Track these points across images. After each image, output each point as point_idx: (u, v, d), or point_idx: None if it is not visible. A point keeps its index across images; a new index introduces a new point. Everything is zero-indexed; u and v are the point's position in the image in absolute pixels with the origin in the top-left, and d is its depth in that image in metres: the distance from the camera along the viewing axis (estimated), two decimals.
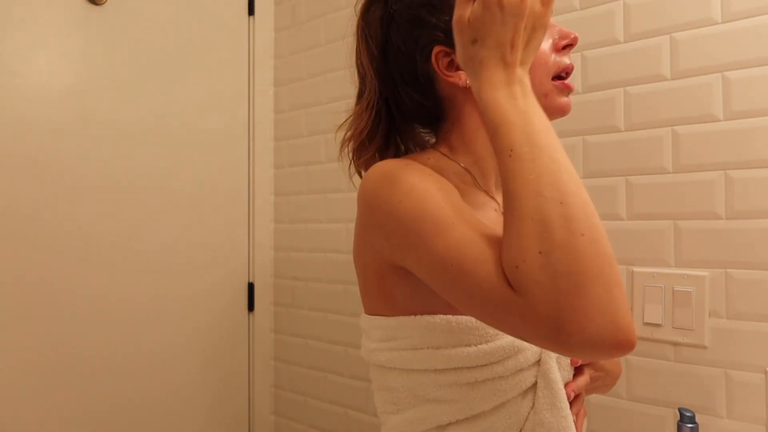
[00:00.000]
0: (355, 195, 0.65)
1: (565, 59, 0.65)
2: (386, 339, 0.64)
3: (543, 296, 0.43)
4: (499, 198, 0.68)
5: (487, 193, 0.68)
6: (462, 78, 0.64)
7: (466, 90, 0.64)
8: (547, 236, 0.44)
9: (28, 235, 1.13)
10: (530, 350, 0.60)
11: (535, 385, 0.60)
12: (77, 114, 1.20)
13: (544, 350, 0.60)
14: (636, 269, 0.99)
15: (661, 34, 0.97)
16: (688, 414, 0.85)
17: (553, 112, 0.65)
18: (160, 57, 1.34)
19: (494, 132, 0.49)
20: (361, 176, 0.70)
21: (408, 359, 0.61)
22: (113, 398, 1.24)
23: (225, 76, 1.50)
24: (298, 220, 1.53)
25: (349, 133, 0.70)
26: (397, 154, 0.72)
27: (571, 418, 0.59)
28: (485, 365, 0.58)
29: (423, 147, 0.73)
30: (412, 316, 0.61)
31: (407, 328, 0.61)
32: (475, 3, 0.51)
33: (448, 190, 0.57)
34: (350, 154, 0.71)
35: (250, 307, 1.53)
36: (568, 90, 0.65)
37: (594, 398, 1.03)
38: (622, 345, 0.43)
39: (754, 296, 0.89)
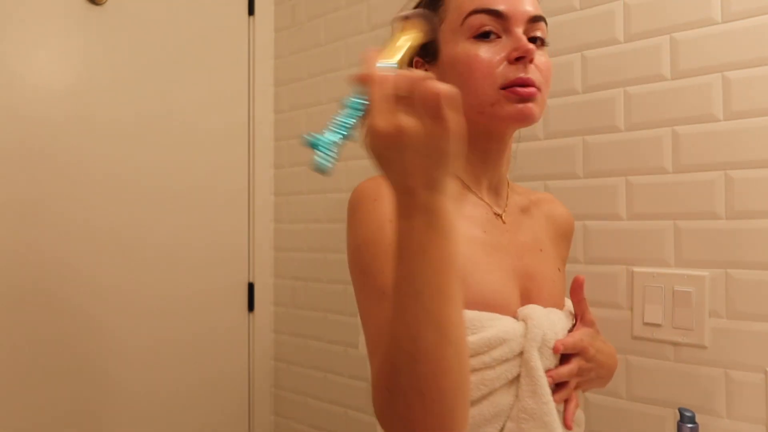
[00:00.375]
0: None
1: (518, 70, 0.65)
2: None
3: (382, 417, 0.51)
4: (495, 204, 0.74)
5: (477, 195, 0.73)
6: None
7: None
8: (395, 382, 0.48)
9: (28, 234, 1.13)
10: (515, 341, 0.62)
11: (519, 376, 0.63)
12: (77, 114, 1.20)
13: (526, 340, 0.63)
14: (636, 269, 0.99)
15: (661, 34, 0.97)
16: (688, 414, 0.85)
17: (504, 120, 0.67)
18: (160, 57, 1.34)
19: (395, 255, 0.49)
20: None
21: None
22: (112, 397, 1.24)
23: (225, 76, 1.50)
24: (298, 220, 1.53)
25: None
26: None
27: (552, 404, 0.62)
28: (473, 356, 0.60)
29: None
30: None
31: None
32: (366, 132, 0.48)
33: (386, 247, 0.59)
34: None
35: (250, 307, 1.53)
36: (518, 97, 0.65)
37: (594, 398, 1.03)
38: None
39: (754, 296, 0.89)
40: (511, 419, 0.62)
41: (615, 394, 1.01)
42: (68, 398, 1.17)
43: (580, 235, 1.06)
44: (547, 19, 1.09)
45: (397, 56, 0.50)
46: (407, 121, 0.45)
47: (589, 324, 0.72)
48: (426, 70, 0.71)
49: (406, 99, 0.45)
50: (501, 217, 0.74)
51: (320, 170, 0.43)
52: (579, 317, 0.73)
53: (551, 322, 0.66)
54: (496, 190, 0.75)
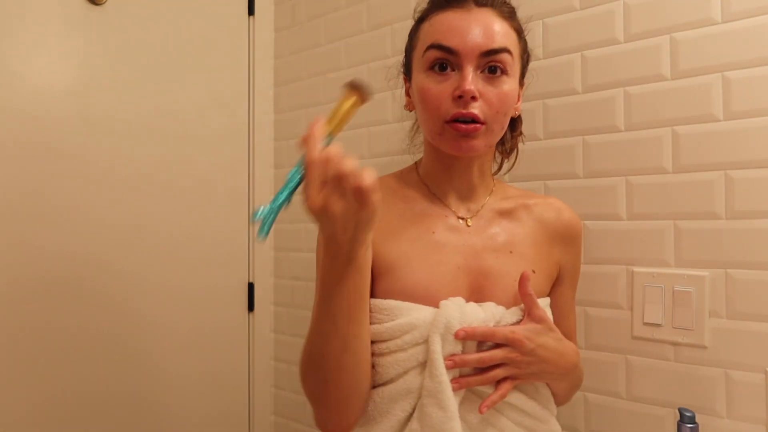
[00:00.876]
0: None
1: (459, 106, 0.72)
2: None
3: (302, 384, 0.73)
4: (462, 206, 0.82)
5: (442, 201, 0.82)
6: (408, 104, 0.83)
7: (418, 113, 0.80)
8: (308, 368, 0.71)
9: (28, 232, 1.13)
10: (423, 327, 0.70)
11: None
12: (77, 114, 1.20)
13: (431, 326, 0.70)
14: (636, 269, 0.99)
15: (661, 34, 0.97)
16: (688, 414, 0.85)
17: (448, 150, 0.76)
18: (160, 57, 1.34)
19: (319, 284, 0.67)
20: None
21: None
22: (112, 397, 1.24)
23: (225, 76, 1.50)
24: (298, 220, 1.53)
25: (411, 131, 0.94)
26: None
27: (446, 383, 0.68)
28: (390, 339, 0.71)
29: None
30: None
31: None
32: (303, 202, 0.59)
33: None
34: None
35: (250, 307, 1.53)
36: (458, 132, 0.73)
37: (594, 398, 1.04)
38: None
39: (754, 296, 0.89)
40: (420, 397, 0.70)
41: (615, 394, 1.01)
42: (67, 396, 1.17)
43: None
44: (548, 19, 1.10)
45: (336, 125, 0.60)
46: (335, 204, 0.56)
47: (537, 319, 0.74)
48: (407, 86, 0.83)
49: (337, 181, 0.55)
50: (466, 221, 0.81)
51: (259, 238, 0.61)
52: (526, 312, 0.75)
53: (463, 313, 0.71)
54: (466, 197, 0.83)
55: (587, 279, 1.05)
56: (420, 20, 0.80)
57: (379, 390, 0.72)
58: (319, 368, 0.68)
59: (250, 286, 1.53)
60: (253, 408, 1.53)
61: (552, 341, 0.75)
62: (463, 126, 0.72)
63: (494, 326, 0.72)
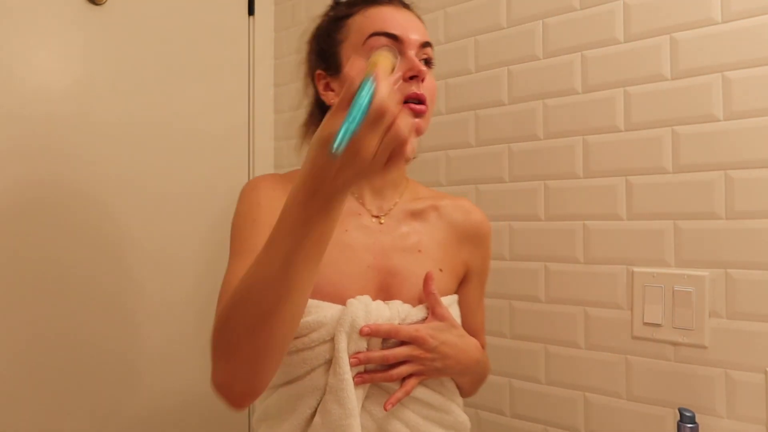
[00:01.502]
0: None
1: (413, 87, 0.74)
2: None
3: (212, 341, 0.62)
4: (374, 204, 0.83)
5: (357, 198, 0.82)
6: (329, 97, 0.80)
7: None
8: (234, 308, 0.59)
9: (28, 231, 1.13)
10: (330, 325, 0.71)
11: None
12: (77, 114, 1.20)
13: (337, 324, 0.71)
14: (636, 269, 0.99)
15: (661, 34, 0.97)
16: (688, 414, 0.85)
17: None
18: (160, 57, 1.34)
19: (282, 224, 0.58)
20: None
21: None
22: (113, 396, 1.24)
23: (225, 77, 1.50)
24: None
25: (299, 128, 0.88)
26: None
27: (348, 381, 0.69)
28: (298, 337, 0.71)
29: None
30: None
31: None
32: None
33: (264, 221, 0.73)
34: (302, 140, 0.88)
35: None
36: (412, 113, 0.73)
37: (594, 398, 1.04)
38: (228, 401, 0.63)
39: (754, 296, 0.89)
40: (324, 394, 0.71)
41: (615, 394, 1.01)
42: (69, 393, 1.17)
43: (580, 235, 1.06)
44: (547, 19, 1.10)
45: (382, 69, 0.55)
46: (369, 149, 0.50)
47: (440, 317, 0.76)
48: (327, 81, 0.80)
49: (388, 134, 0.51)
50: (379, 219, 0.82)
51: (337, 151, 0.49)
52: (430, 310, 0.77)
53: (368, 311, 0.72)
54: (379, 194, 0.83)
55: (587, 279, 1.05)
56: (346, 15, 0.80)
57: (287, 387, 0.73)
58: (253, 308, 0.58)
59: None
60: (253, 407, 1.52)
61: (454, 338, 0.77)
62: (416, 106, 0.74)
63: (399, 324, 0.74)
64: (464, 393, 0.86)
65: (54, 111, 1.17)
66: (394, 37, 0.75)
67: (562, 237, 1.08)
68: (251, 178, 1.54)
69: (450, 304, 0.81)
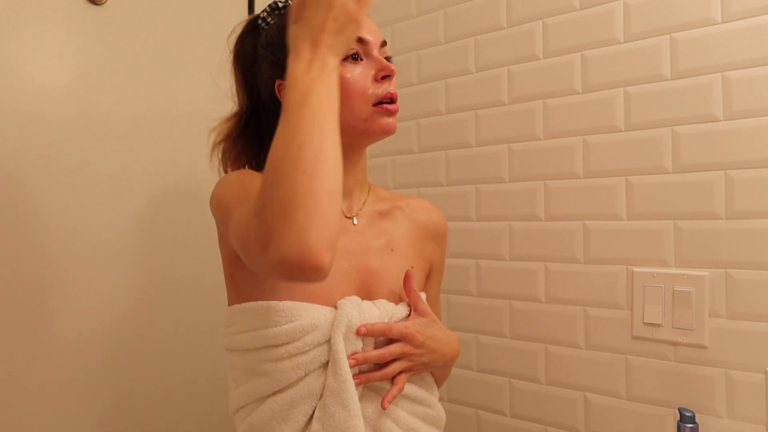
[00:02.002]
0: None
1: (385, 86, 0.76)
2: (228, 325, 0.77)
3: (261, 219, 0.55)
4: (346, 207, 0.82)
5: None
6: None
7: None
8: (276, 170, 0.55)
9: (27, 231, 1.13)
10: (325, 327, 0.70)
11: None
12: (77, 114, 1.20)
13: (333, 326, 0.70)
14: (636, 269, 0.99)
15: (661, 34, 0.97)
16: (688, 414, 0.85)
17: (376, 132, 0.77)
18: (160, 57, 1.34)
19: (285, 92, 0.59)
20: (226, 173, 0.87)
21: (240, 341, 0.73)
22: (112, 394, 1.24)
23: (225, 77, 1.49)
24: None
25: (220, 138, 0.87)
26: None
27: (350, 382, 0.68)
28: (289, 342, 0.69)
29: None
30: (239, 304, 0.75)
31: (237, 315, 0.75)
32: None
33: (252, 173, 0.74)
34: (220, 155, 0.88)
35: None
36: (388, 113, 0.76)
37: (594, 398, 1.04)
38: (306, 264, 0.53)
39: (754, 296, 0.89)
40: (321, 398, 0.70)
41: (615, 394, 1.01)
42: (69, 394, 1.17)
43: (581, 235, 1.06)
44: (547, 19, 1.11)
45: None
46: None
47: (422, 313, 0.78)
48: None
49: None
50: (352, 220, 0.83)
51: None
52: (412, 307, 0.79)
53: (361, 311, 0.72)
54: (350, 195, 0.83)
55: (587, 279, 1.05)
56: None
57: (277, 397, 0.71)
58: (294, 162, 0.55)
59: None
60: None
61: (438, 332, 0.79)
62: (391, 106, 0.76)
63: (388, 322, 0.75)
64: (438, 383, 0.88)
65: (53, 110, 1.17)
66: (360, 40, 0.76)
67: (562, 237, 1.08)
68: None
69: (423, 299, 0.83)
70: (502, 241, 1.17)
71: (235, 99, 0.89)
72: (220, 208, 0.73)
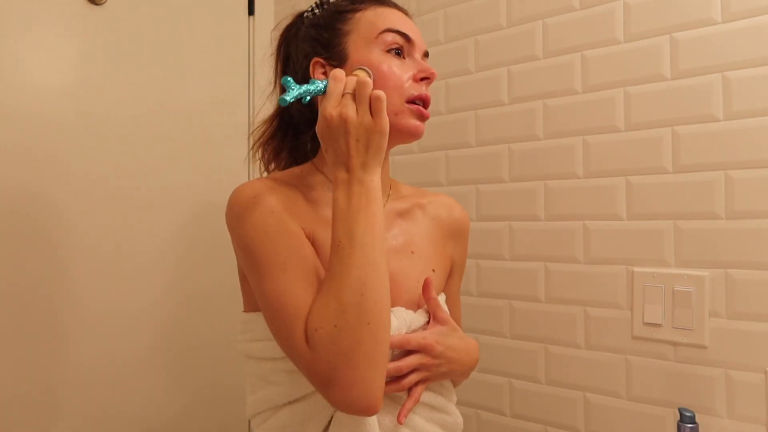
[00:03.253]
0: None
1: (422, 88, 0.76)
2: (243, 331, 0.77)
3: (326, 359, 0.59)
4: None
5: None
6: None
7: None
8: (343, 317, 0.60)
9: (28, 230, 1.13)
10: None
11: None
12: (77, 114, 1.20)
13: None
14: (636, 269, 0.99)
15: (661, 34, 0.97)
16: (688, 414, 0.85)
17: (403, 130, 0.76)
18: (160, 57, 1.34)
19: (332, 224, 0.64)
20: (268, 172, 0.87)
21: (255, 349, 0.74)
22: (112, 398, 1.24)
23: (225, 76, 1.50)
24: None
25: (260, 140, 0.86)
26: (288, 163, 0.88)
27: None
28: None
29: (307, 157, 0.86)
30: (255, 312, 0.75)
31: (253, 322, 0.75)
32: (318, 118, 0.65)
33: (288, 228, 0.69)
34: (260, 155, 0.87)
35: None
36: (420, 115, 0.76)
37: (594, 398, 1.04)
38: (368, 411, 0.60)
39: (754, 296, 0.89)
40: (337, 410, 0.69)
41: (615, 394, 1.01)
42: (69, 396, 1.17)
43: (581, 235, 1.06)
44: (547, 19, 1.11)
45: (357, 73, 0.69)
46: (351, 112, 0.63)
47: (442, 322, 0.76)
48: (327, 70, 0.77)
49: (355, 97, 0.64)
50: None
51: (282, 102, 0.64)
52: (432, 315, 0.77)
53: None
54: None
55: (587, 279, 1.05)
56: (352, 10, 0.79)
57: (293, 406, 0.70)
58: (360, 309, 0.60)
59: None
60: None
61: (458, 341, 0.77)
62: (424, 110, 0.76)
63: (406, 332, 0.73)
64: (456, 385, 0.86)
65: (53, 110, 1.17)
66: (406, 37, 0.76)
67: (562, 237, 1.08)
68: (250, 178, 1.54)
69: (442, 303, 0.81)
70: (502, 241, 1.17)
71: (273, 95, 0.89)
72: (247, 251, 0.70)
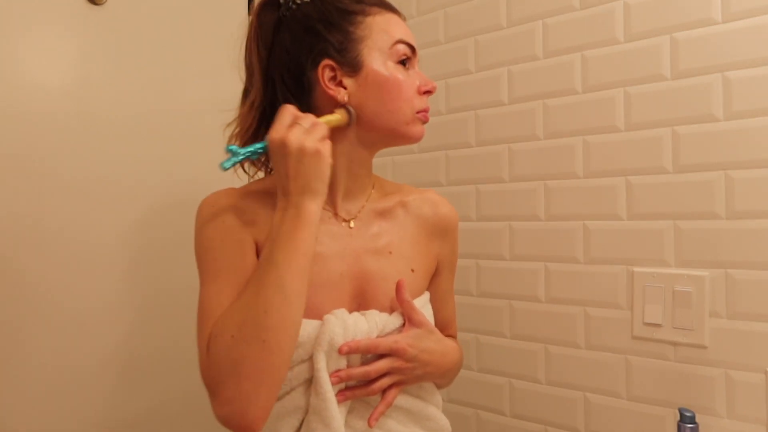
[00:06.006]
0: None
1: (426, 101, 0.79)
2: None
3: (216, 368, 0.62)
4: (344, 207, 0.80)
5: (329, 206, 0.80)
6: (341, 94, 0.75)
7: (339, 106, 0.75)
8: (240, 329, 0.61)
9: (27, 229, 1.13)
10: (308, 344, 0.70)
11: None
12: (76, 114, 1.20)
13: (315, 343, 0.70)
14: (636, 269, 0.99)
15: (661, 34, 0.97)
16: (688, 414, 0.85)
17: (412, 136, 0.78)
18: (160, 57, 1.34)
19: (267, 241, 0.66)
20: (244, 171, 0.87)
21: None
22: (112, 402, 1.24)
23: (225, 76, 1.49)
24: None
25: (236, 131, 0.82)
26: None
27: (331, 400, 0.68)
28: None
29: None
30: None
31: None
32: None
33: (233, 238, 0.74)
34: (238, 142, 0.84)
35: None
36: (424, 121, 0.79)
37: (594, 398, 1.04)
38: (245, 429, 0.61)
39: (754, 296, 0.89)
40: (306, 414, 0.70)
41: (615, 394, 1.01)
42: (69, 401, 1.17)
43: (581, 235, 1.06)
44: (547, 19, 1.11)
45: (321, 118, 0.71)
46: (293, 136, 0.64)
47: (417, 324, 0.75)
48: (338, 75, 0.75)
49: (300, 125, 0.65)
50: (349, 223, 0.80)
51: (222, 167, 0.67)
52: (406, 318, 0.76)
53: (346, 327, 0.70)
54: (351, 197, 0.81)
55: (587, 279, 1.05)
56: (361, 12, 0.77)
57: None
58: (258, 326, 0.61)
59: None
60: None
61: (433, 344, 0.76)
62: (427, 114, 0.80)
63: (378, 336, 0.73)
64: (440, 387, 0.86)
65: (53, 110, 1.17)
66: (413, 49, 0.78)
67: (562, 237, 1.08)
68: (251, 178, 1.54)
69: (423, 304, 0.80)
70: (502, 241, 1.17)
71: (243, 80, 0.88)
72: (197, 257, 0.75)
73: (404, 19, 0.81)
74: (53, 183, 1.16)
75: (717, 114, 0.92)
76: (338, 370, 0.70)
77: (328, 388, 0.68)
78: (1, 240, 1.09)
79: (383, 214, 0.83)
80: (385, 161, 1.38)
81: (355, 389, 0.72)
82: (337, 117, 0.73)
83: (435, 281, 0.88)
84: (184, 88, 1.39)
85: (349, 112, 0.74)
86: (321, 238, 0.77)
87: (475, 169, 1.21)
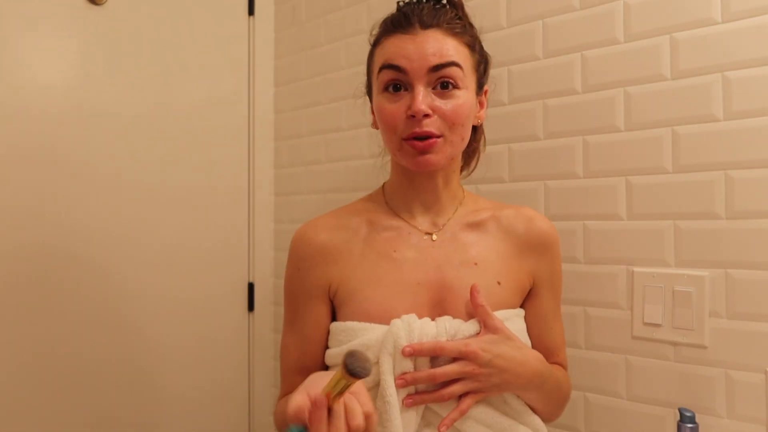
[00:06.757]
0: (356, 195, 0.79)
1: (414, 127, 0.73)
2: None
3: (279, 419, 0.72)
4: (428, 222, 0.83)
5: (406, 218, 0.83)
6: (374, 122, 0.83)
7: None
8: None
9: (27, 229, 1.13)
10: (375, 347, 0.70)
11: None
12: (76, 114, 1.20)
13: (381, 346, 0.70)
14: (636, 269, 0.99)
15: (661, 34, 0.97)
16: (688, 414, 0.85)
17: (408, 165, 0.78)
18: (160, 57, 1.34)
19: None
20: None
21: (326, 356, 0.81)
22: (112, 399, 1.24)
23: (225, 76, 1.50)
24: (298, 220, 1.53)
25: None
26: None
27: (392, 404, 0.67)
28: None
29: None
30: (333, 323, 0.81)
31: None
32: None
33: (302, 289, 0.82)
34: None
35: (250, 307, 1.53)
36: (415, 150, 0.74)
37: (594, 398, 1.04)
38: None
39: (754, 296, 0.89)
40: None
41: (615, 394, 1.01)
42: (68, 399, 1.17)
43: (581, 235, 1.06)
44: (547, 20, 1.10)
45: (331, 390, 0.57)
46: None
47: (493, 330, 0.73)
48: (371, 106, 0.83)
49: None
50: (431, 236, 0.81)
51: None
52: (482, 323, 0.74)
53: (410, 330, 0.70)
54: (432, 211, 0.83)
55: (587, 279, 1.05)
56: (374, 45, 0.83)
57: None
58: None
59: (250, 286, 1.53)
60: (253, 408, 1.53)
61: (510, 350, 0.72)
62: (419, 143, 0.74)
63: (448, 340, 0.71)
64: (541, 414, 0.81)
65: (53, 110, 1.17)
66: (397, 69, 0.74)
67: (563, 237, 1.08)
68: (252, 177, 1.54)
69: (510, 317, 0.77)
70: None
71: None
72: (284, 292, 0.86)
73: (413, 33, 0.75)
74: (53, 182, 1.16)
75: (717, 114, 0.92)
76: (404, 373, 0.69)
77: (390, 392, 0.68)
78: (6, 232, 1.09)
79: (473, 226, 0.83)
80: (386, 162, 1.38)
81: (423, 394, 0.70)
82: (336, 378, 0.58)
83: (534, 302, 0.84)
84: (184, 88, 1.39)
85: (344, 365, 0.56)
86: (399, 247, 0.80)
87: (476, 169, 1.21)
